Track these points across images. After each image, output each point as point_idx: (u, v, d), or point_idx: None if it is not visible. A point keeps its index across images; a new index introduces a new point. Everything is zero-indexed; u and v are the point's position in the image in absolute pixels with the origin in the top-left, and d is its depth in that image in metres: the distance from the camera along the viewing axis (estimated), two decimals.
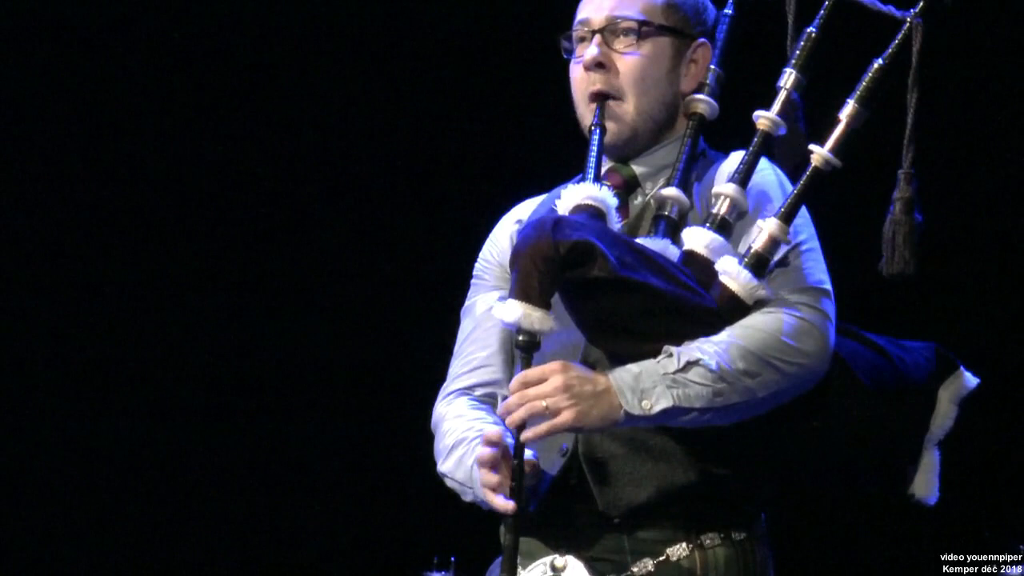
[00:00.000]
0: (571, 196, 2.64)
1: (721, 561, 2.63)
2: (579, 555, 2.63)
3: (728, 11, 2.84)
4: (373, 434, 4.84)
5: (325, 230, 4.77)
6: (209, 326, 4.78)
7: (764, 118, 2.70)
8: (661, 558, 2.62)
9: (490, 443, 2.58)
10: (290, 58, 4.72)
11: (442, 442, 2.76)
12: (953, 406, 2.73)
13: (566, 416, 2.49)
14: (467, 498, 2.71)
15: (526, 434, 2.52)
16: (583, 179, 2.71)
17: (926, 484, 2.74)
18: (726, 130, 2.83)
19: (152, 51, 4.73)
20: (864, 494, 2.91)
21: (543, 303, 2.51)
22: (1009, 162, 4.15)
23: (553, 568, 2.63)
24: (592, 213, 2.62)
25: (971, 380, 2.74)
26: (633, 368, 2.53)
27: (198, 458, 4.73)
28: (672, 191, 2.71)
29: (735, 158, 2.72)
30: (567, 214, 2.62)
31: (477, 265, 2.89)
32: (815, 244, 2.67)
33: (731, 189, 2.67)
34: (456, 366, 2.84)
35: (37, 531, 4.80)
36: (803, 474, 2.74)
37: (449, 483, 2.74)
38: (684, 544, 2.62)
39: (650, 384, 2.51)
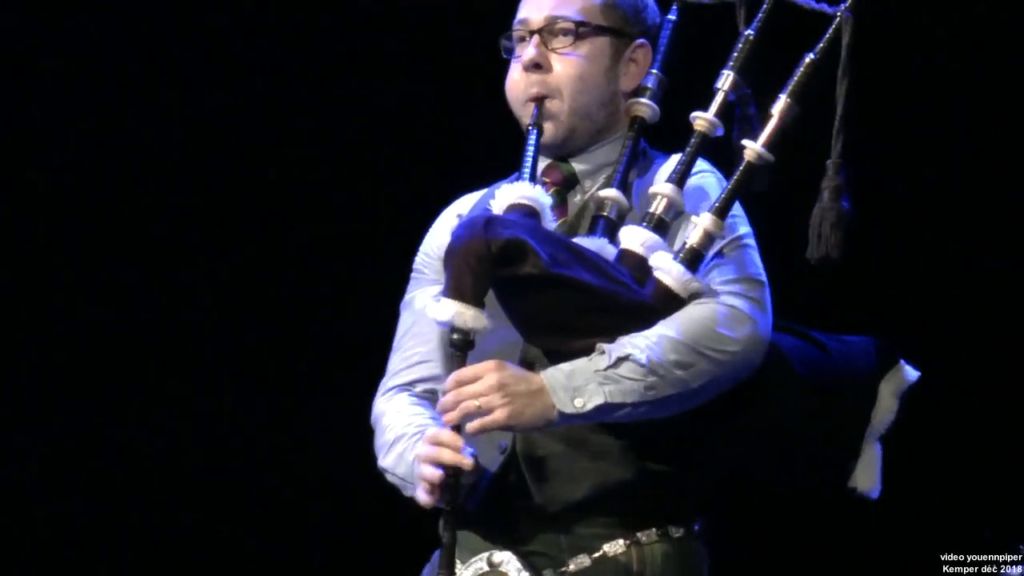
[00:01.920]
0: (505, 195, 2.66)
1: (658, 557, 2.64)
2: (516, 550, 2.65)
3: (672, 16, 2.86)
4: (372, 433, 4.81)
5: (278, 229, 4.73)
6: (204, 323, 4.76)
7: (701, 119, 2.72)
8: (597, 554, 2.64)
9: (436, 443, 2.59)
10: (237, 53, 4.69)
11: (382, 437, 2.79)
12: (894, 399, 2.74)
13: (499, 415, 2.51)
14: (407, 493, 2.72)
15: (472, 426, 2.53)
16: (519, 178, 2.72)
17: (868, 477, 2.74)
18: (672, 135, 2.84)
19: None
20: (804, 489, 2.91)
21: (476, 301, 2.53)
22: (943, 151, 4.17)
23: (490, 563, 2.66)
24: (526, 212, 2.63)
25: (912, 373, 2.75)
26: (565, 367, 2.54)
27: (197, 457, 4.71)
28: (611, 192, 2.73)
29: (676, 160, 2.73)
30: (501, 213, 2.64)
31: (417, 259, 2.90)
32: (750, 238, 2.68)
33: (668, 189, 2.68)
34: (395, 361, 2.86)
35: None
36: (743, 469, 2.76)
37: (390, 478, 2.76)
38: (621, 540, 2.64)
39: (582, 382, 2.52)
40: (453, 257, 2.54)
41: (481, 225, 2.52)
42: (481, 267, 2.52)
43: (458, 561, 2.63)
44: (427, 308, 2.60)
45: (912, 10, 3.91)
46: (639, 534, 2.64)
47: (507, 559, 2.65)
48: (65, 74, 4.61)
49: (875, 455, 2.74)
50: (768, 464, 2.76)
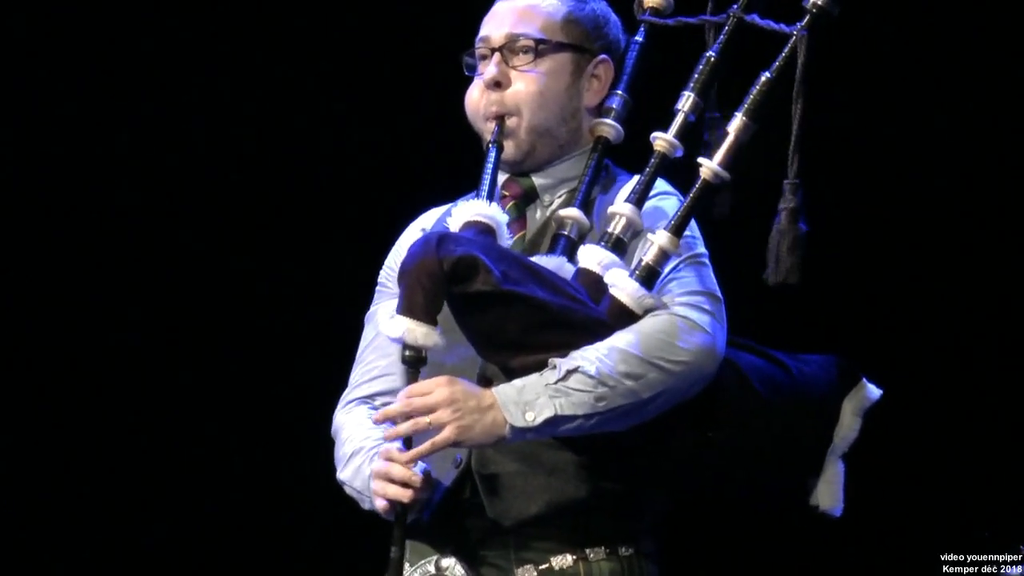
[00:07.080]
0: (461, 213, 2.68)
1: (605, 574, 2.66)
2: (464, 558, 2.68)
3: (638, 38, 2.87)
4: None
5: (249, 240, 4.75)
6: (203, 326, 4.79)
7: (661, 139, 2.72)
8: (544, 566, 2.66)
9: (388, 460, 2.64)
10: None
11: (341, 450, 2.82)
12: (856, 418, 2.75)
13: (448, 431, 2.53)
14: (365, 506, 2.76)
15: (411, 453, 2.58)
16: (477, 195, 2.74)
17: (830, 495, 2.74)
18: (636, 156, 2.86)
19: None
20: (765, 506, 2.92)
21: (428, 319, 2.55)
22: (899, 169, 4.18)
23: (437, 567, 2.70)
24: (481, 229, 2.65)
25: (874, 392, 2.76)
26: (517, 382, 2.56)
27: (198, 456, 4.75)
28: (572, 212, 2.75)
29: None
30: (457, 230, 2.66)
31: (381, 273, 2.93)
32: (704, 257, 2.70)
33: (627, 209, 2.70)
34: (357, 374, 2.89)
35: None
36: (700, 487, 2.77)
37: (348, 491, 2.80)
38: (569, 556, 2.66)
39: (533, 396, 2.54)
40: (406, 275, 2.56)
41: (434, 243, 2.55)
42: (433, 284, 2.54)
43: (407, 563, 2.68)
44: (381, 325, 2.63)
45: (869, 28, 3.91)
46: (588, 550, 2.66)
47: (453, 565, 2.68)
48: (60, 75, 4.66)
49: (838, 473, 2.75)
50: (729, 483, 2.76)
